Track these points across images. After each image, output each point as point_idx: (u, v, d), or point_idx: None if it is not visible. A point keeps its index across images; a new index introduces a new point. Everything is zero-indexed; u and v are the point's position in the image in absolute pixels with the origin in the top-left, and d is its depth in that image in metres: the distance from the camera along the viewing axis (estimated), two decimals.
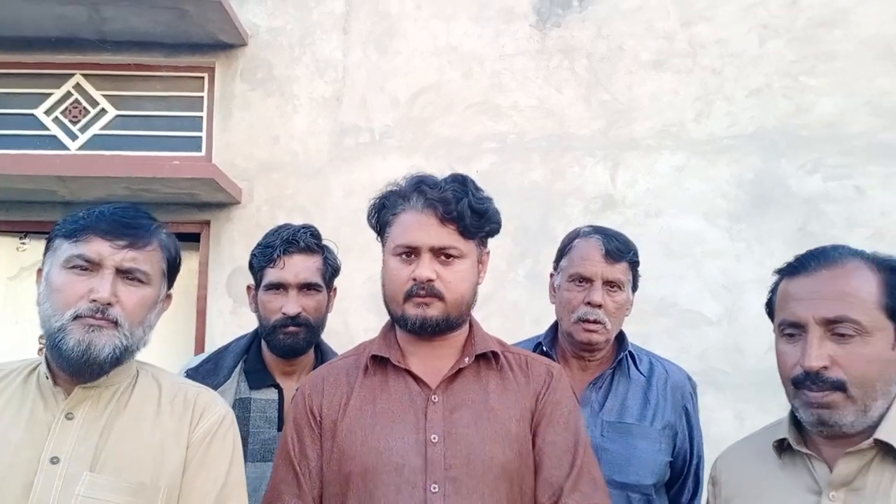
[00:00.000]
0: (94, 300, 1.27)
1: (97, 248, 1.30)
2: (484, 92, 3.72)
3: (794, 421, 1.29)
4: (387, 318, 3.26)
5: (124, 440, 1.31)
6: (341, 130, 3.66)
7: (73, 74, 3.70)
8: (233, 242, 3.55)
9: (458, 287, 1.41)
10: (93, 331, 1.27)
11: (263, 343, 1.96)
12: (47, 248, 1.36)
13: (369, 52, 3.73)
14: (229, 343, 2.07)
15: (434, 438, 1.35)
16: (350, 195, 3.59)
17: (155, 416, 1.35)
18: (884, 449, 1.20)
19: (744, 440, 1.47)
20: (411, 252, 1.40)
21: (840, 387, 1.19)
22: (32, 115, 3.67)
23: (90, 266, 1.30)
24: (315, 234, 1.98)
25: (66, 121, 3.68)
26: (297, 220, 3.42)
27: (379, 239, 1.50)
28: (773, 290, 1.33)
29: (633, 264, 1.87)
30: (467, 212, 1.38)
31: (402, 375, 1.43)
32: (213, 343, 3.28)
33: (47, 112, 3.68)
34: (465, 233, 1.40)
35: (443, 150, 3.65)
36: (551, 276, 1.95)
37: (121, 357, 1.30)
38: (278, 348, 1.90)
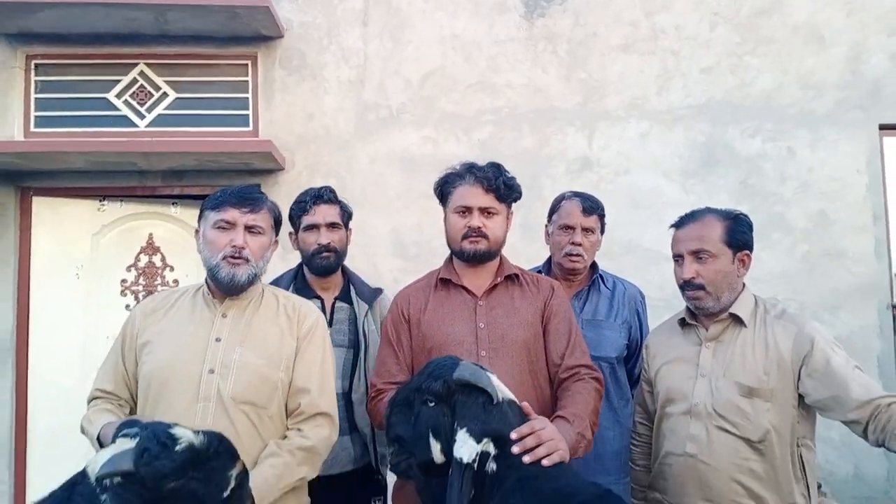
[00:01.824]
0: (234, 246, 2.00)
1: (232, 214, 2.01)
2: (481, 73, 4.46)
3: (689, 308, 2.17)
4: (406, 260, 4.26)
5: (260, 329, 2.03)
6: (364, 108, 4.41)
7: (137, 63, 4.41)
8: (279, 202, 4.25)
9: (496, 231, 2.19)
10: (235, 266, 2.00)
11: (305, 269, 2.75)
12: (200, 217, 2.11)
13: (385, 42, 4.45)
14: (283, 273, 2.88)
15: (482, 326, 2.14)
16: (374, 162, 4.37)
17: (275, 315, 2.09)
18: (735, 319, 2.09)
19: (662, 323, 2.36)
20: (466, 210, 2.17)
21: (702, 287, 2.08)
22: (105, 98, 4.40)
23: (228, 226, 2.01)
24: (332, 191, 2.78)
25: (134, 103, 4.40)
26: (331, 183, 4.22)
27: (441, 203, 2.26)
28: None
29: (601, 216, 2.73)
30: (502, 185, 2.16)
31: (458, 290, 2.22)
32: (265, 281, 4.06)
33: (118, 95, 4.40)
34: (500, 198, 2.18)
35: (448, 123, 4.41)
36: (546, 226, 2.80)
37: (252, 280, 2.05)
38: (317, 269, 2.68)
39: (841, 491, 4.12)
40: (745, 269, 2.11)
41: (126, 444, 1.44)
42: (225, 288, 2.03)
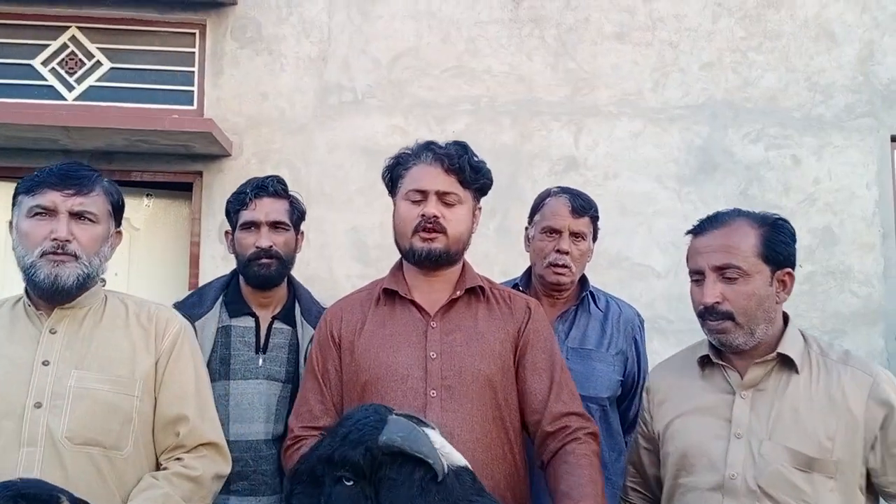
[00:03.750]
0: (55, 239, 1.56)
1: (51, 198, 1.58)
2: (459, 56, 3.98)
3: (711, 343, 1.66)
4: (367, 265, 3.66)
5: (104, 345, 1.62)
6: (326, 89, 3.91)
7: (68, 27, 3.86)
8: (224, 193, 3.76)
9: (458, 226, 1.71)
10: (57, 265, 1.56)
11: (241, 278, 2.21)
12: (13, 204, 1.65)
13: (352, 15, 3.96)
14: (212, 281, 2.33)
15: (433, 355, 1.66)
16: (334, 151, 3.87)
17: (125, 327, 1.67)
18: (782, 360, 1.58)
19: (669, 359, 1.84)
20: (420, 195, 1.69)
21: (729, 316, 1.56)
22: (30, 65, 3.84)
23: (48, 213, 1.58)
24: (281, 182, 2.23)
25: (62, 72, 3.85)
26: (284, 173, 3.70)
27: (390, 194, 1.79)
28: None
29: (594, 219, 2.22)
30: (467, 166, 1.69)
31: (406, 305, 1.74)
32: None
33: (44, 63, 3.85)
34: (464, 182, 1.71)
35: (420, 110, 3.93)
36: (526, 229, 2.30)
37: (84, 283, 1.60)
38: (254, 279, 2.14)
39: None
40: (787, 294, 1.61)
41: None
42: (47, 294, 1.59)
